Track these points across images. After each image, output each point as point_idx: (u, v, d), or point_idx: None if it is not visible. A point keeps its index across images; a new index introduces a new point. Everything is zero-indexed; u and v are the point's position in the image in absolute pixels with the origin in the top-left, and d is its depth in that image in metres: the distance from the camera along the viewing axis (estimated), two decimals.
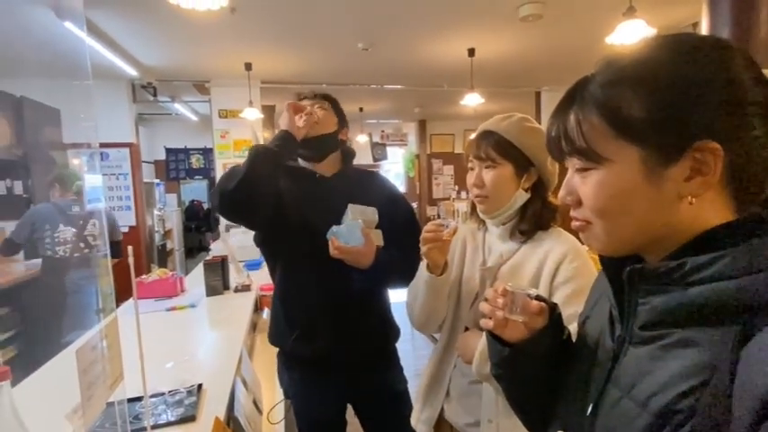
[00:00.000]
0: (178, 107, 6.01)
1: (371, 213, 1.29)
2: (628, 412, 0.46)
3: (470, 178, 1.03)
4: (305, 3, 3.03)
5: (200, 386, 1.18)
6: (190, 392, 1.15)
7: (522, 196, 1.01)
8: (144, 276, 2.24)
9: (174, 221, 6.86)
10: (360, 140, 7.61)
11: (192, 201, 8.82)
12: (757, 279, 0.40)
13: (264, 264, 1.51)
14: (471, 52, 4.13)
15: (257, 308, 2.23)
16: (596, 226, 0.50)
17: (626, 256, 0.51)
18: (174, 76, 4.67)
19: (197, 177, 7.99)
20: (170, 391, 1.15)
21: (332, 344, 1.30)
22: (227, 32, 3.48)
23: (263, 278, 2.39)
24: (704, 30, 2.25)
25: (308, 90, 1.42)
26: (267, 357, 1.80)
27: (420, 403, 1.14)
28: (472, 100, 4.51)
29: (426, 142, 8.40)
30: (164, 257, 5.95)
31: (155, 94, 4.95)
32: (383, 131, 8.30)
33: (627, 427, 0.46)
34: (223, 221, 4.97)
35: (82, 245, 2.94)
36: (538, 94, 5.85)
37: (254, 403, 1.32)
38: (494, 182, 0.99)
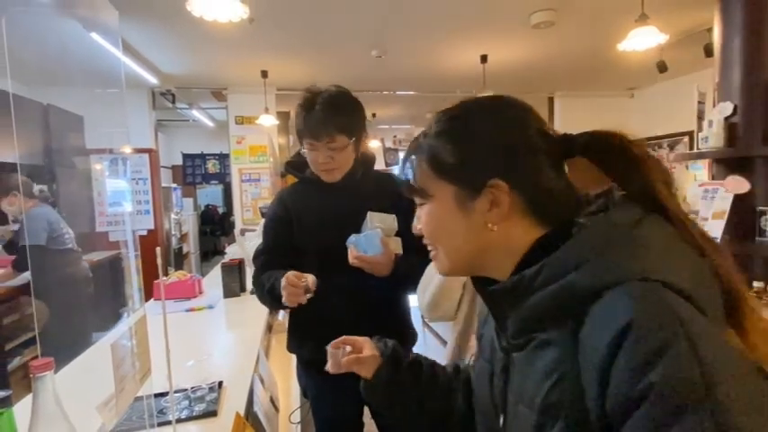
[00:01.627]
0: (195, 113, 6.14)
1: (391, 221, 1.28)
2: (525, 416, 0.51)
3: None
4: (320, 13, 3.10)
5: (220, 383, 1.23)
6: (211, 389, 1.20)
7: None
8: (163, 278, 2.31)
9: (190, 225, 6.99)
10: (372, 145, 7.67)
11: (208, 205, 8.97)
12: (568, 280, 0.47)
13: None
14: (484, 59, 4.16)
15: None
16: (439, 251, 0.60)
17: (493, 279, 0.58)
18: (192, 83, 4.78)
19: (213, 182, 8.14)
20: (192, 388, 1.20)
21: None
22: (244, 41, 3.58)
23: None
24: (716, 36, 2.23)
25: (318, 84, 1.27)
26: (283, 358, 1.84)
27: None
28: None
29: None
30: (180, 260, 6.07)
31: (173, 101, 5.08)
32: (395, 136, 8.34)
33: (527, 430, 0.51)
34: (238, 226, 5.06)
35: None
36: (551, 100, 5.82)
37: (272, 401, 1.36)
38: None
